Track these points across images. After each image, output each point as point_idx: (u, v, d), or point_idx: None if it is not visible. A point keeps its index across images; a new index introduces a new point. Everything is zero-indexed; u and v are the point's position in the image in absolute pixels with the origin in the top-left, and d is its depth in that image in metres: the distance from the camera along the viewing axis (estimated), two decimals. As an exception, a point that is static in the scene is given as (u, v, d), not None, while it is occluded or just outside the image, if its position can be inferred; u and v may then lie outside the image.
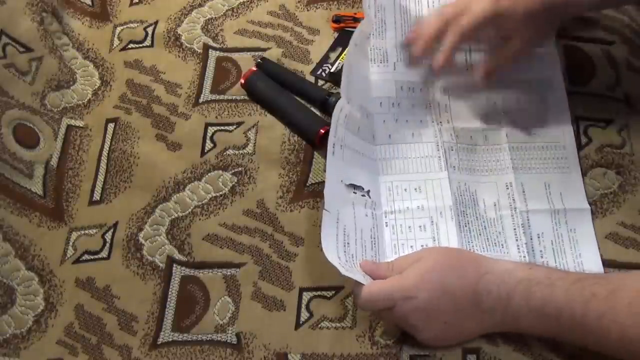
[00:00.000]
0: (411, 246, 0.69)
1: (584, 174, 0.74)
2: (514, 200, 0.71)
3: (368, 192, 0.71)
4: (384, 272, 0.64)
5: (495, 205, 0.72)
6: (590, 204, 0.72)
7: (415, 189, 0.73)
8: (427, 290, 0.60)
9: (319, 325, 0.68)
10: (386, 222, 0.71)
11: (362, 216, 0.70)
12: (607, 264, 0.69)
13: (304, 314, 0.69)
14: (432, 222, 0.71)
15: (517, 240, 0.69)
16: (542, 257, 0.69)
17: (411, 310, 0.61)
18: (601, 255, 0.69)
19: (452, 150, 0.75)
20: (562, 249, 0.69)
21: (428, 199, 0.72)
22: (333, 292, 0.69)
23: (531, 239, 0.69)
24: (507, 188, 0.72)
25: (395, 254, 0.69)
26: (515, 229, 0.70)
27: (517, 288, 0.59)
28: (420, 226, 0.70)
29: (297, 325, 0.68)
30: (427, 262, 0.62)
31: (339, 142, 0.70)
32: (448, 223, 0.70)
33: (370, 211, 0.71)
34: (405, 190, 0.73)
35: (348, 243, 0.66)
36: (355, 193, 0.70)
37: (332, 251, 0.64)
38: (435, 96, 0.78)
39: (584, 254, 0.69)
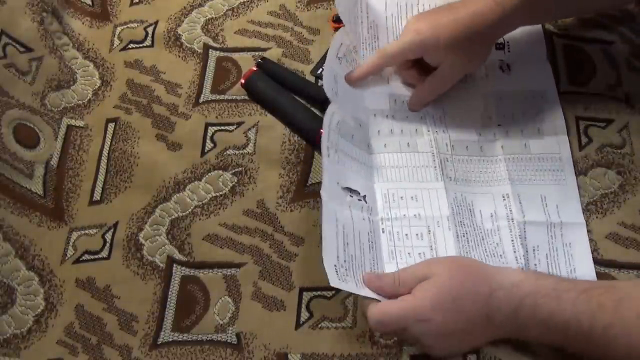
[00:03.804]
0: (408, 253, 0.69)
1: (584, 174, 0.74)
2: (511, 211, 0.71)
3: (364, 197, 0.71)
4: (389, 289, 0.63)
5: (492, 216, 0.71)
6: (590, 204, 0.72)
7: (412, 198, 0.72)
8: (442, 314, 0.60)
9: (319, 325, 0.68)
10: (383, 228, 0.70)
11: (360, 219, 0.69)
12: (607, 264, 0.69)
13: (304, 314, 0.69)
14: (430, 231, 0.70)
15: (515, 252, 0.68)
16: (536, 270, 0.68)
17: (425, 332, 0.60)
18: (601, 256, 0.69)
19: (448, 161, 0.74)
20: (557, 263, 0.68)
21: (425, 208, 0.71)
22: (333, 292, 0.69)
23: (527, 251, 0.69)
24: (504, 199, 0.72)
25: (393, 259, 0.68)
26: (512, 240, 0.69)
27: (524, 302, 0.59)
28: (417, 234, 0.70)
29: (297, 325, 0.68)
30: (439, 280, 0.61)
31: (333, 146, 0.70)
32: (445, 233, 0.69)
33: (367, 215, 0.70)
34: (402, 198, 0.72)
35: (347, 243, 0.66)
36: (352, 197, 0.70)
37: (331, 254, 0.63)
38: (429, 108, 0.78)
39: (578, 269, 0.68)
